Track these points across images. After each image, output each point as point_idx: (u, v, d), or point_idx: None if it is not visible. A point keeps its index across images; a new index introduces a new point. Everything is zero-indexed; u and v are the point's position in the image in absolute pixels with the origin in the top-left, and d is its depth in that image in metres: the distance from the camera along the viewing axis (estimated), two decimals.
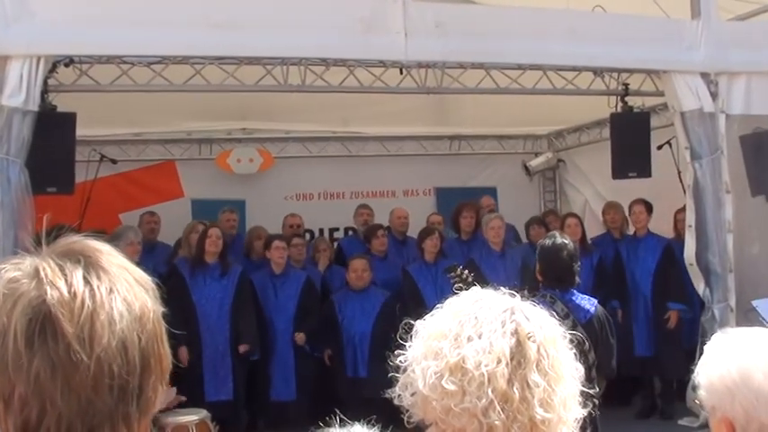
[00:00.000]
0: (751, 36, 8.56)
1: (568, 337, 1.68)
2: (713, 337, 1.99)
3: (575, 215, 10.23)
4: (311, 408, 8.51)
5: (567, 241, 5.70)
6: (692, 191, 8.23)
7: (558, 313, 5.00)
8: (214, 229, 8.58)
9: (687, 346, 8.61)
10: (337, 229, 11.66)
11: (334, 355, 8.67)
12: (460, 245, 9.83)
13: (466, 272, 5.96)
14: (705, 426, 8.20)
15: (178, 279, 8.33)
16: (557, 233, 6.06)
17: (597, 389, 5.36)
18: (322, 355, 8.74)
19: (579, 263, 5.75)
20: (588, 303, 5.58)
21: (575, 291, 5.61)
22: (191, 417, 6.72)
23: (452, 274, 5.93)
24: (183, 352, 7.60)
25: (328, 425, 1.69)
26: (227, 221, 9.88)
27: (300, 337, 8.62)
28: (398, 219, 10.44)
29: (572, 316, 5.35)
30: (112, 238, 6.69)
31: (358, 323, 8.59)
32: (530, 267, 8.91)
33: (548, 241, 5.75)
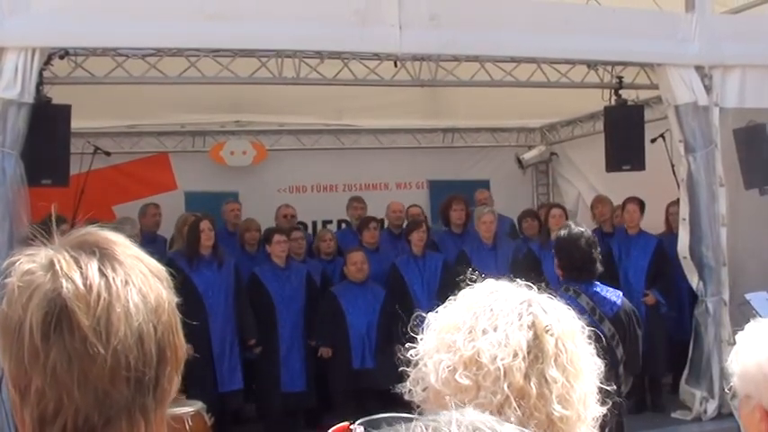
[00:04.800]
0: (745, 29, 8.57)
1: (589, 332, 1.61)
2: (746, 326, 1.98)
3: (559, 206, 10.08)
4: (319, 399, 8.61)
5: (583, 229, 5.31)
6: (686, 184, 8.24)
7: (583, 307, 4.74)
8: (205, 222, 8.47)
9: (673, 343, 8.75)
10: (330, 222, 11.63)
11: (339, 348, 8.58)
12: (453, 238, 9.83)
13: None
14: (698, 419, 8.24)
15: (178, 272, 8.19)
16: (571, 222, 5.64)
17: (624, 387, 5.07)
18: (328, 347, 8.65)
19: (599, 249, 5.33)
20: (614, 296, 5.22)
21: (598, 283, 5.23)
22: (186, 408, 6.69)
23: None
24: (189, 349, 7.49)
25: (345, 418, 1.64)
26: (231, 211, 10.03)
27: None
28: (394, 213, 10.48)
29: (598, 310, 5.03)
30: (113, 229, 6.62)
31: (364, 315, 8.52)
32: (519, 260, 8.92)
33: (563, 232, 5.34)
